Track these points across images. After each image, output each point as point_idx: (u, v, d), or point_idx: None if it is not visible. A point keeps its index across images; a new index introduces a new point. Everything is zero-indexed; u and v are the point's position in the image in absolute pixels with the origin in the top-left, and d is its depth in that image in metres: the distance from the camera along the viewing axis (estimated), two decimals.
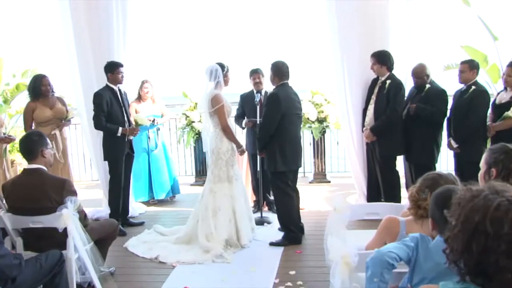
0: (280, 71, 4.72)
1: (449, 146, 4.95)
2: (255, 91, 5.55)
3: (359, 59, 5.28)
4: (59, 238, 3.30)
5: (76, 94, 5.71)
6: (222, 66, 4.75)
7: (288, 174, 4.78)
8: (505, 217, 1.30)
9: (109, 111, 5.13)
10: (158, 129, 6.40)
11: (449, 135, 4.98)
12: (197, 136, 7.15)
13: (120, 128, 5.17)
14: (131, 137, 5.40)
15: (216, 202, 4.75)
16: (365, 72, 5.26)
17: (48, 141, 3.55)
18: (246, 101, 5.69)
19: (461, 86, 4.92)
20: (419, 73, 5.01)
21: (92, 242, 3.50)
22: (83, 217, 3.49)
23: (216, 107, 4.67)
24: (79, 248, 3.32)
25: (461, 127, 4.79)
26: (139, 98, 6.28)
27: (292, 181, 4.86)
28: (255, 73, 5.60)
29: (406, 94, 5.18)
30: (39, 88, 5.31)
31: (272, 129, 4.63)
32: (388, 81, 5.04)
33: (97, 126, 5.18)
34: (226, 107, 4.76)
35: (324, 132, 7.11)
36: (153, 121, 6.18)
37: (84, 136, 6.01)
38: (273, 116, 4.61)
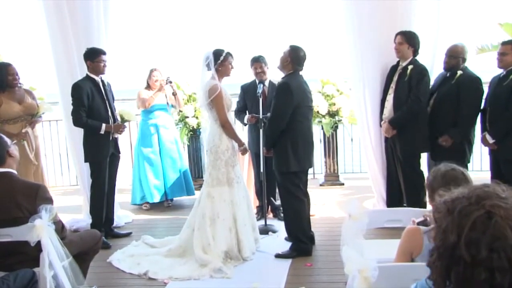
0: (298, 58, 4.67)
1: (484, 142, 4.87)
2: (257, 81, 5.50)
3: (378, 42, 5.21)
4: (31, 254, 3.21)
5: (58, 84, 5.63)
6: (216, 53, 4.68)
7: (301, 175, 4.75)
8: (482, 237, 1.20)
9: (90, 105, 5.07)
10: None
11: (483, 129, 4.90)
12: (192, 133, 7.11)
13: (104, 125, 5.10)
14: (117, 135, 5.35)
15: (215, 208, 4.70)
16: (384, 56, 5.20)
17: (6, 138, 3.51)
18: (248, 92, 5.64)
19: (498, 72, 4.82)
20: (457, 52, 4.93)
21: (71, 257, 3.44)
22: (60, 228, 3.42)
23: (212, 97, 4.61)
24: (55, 264, 3.24)
25: (499, 119, 4.71)
26: (148, 87, 6.38)
27: (304, 183, 4.82)
28: (256, 62, 5.56)
29: (432, 81, 5.11)
30: (4, 78, 5.22)
31: (284, 124, 4.57)
32: (410, 67, 4.97)
33: (77, 122, 5.11)
34: (226, 99, 4.71)
35: (337, 127, 7.06)
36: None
37: (65, 134, 5.93)
38: (284, 108, 4.55)
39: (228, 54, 4.72)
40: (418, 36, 5.04)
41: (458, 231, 1.24)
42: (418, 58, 5.07)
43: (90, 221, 5.32)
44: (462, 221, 1.25)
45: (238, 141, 4.84)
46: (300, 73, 4.74)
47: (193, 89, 7.01)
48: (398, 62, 5.14)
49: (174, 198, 6.65)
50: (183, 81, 7.12)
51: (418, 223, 2.78)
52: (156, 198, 6.40)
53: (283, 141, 4.62)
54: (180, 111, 6.86)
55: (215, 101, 4.63)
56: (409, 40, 5.00)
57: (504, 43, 4.85)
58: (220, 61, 4.67)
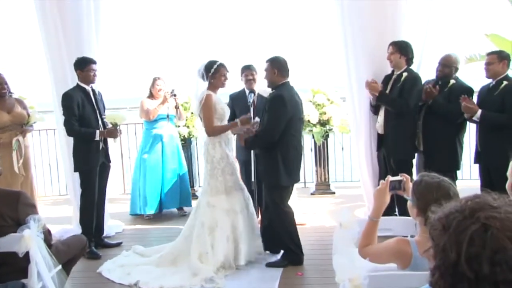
0: (284, 67, 4.65)
1: (466, 107, 4.73)
2: (247, 91, 5.49)
3: (369, 49, 5.24)
4: (19, 265, 3.16)
5: (55, 93, 5.60)
6: (207, 66, 4.68)
7: (290, 189, 4.74)
8: (482, 251, 1.17)
9: (81, 115, 5.04)
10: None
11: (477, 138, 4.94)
12: (183, 142, 7.07)
13: (98, 132, 5.07)
14: (114, 141, 5.34)
15: (214, 217, 4.67)
16: (375, 64, 5.24)
17: None
18: (237, 101, 5.61)
19: (487, 82, 4.87)
20: (451, 62, 5.00)
21: (60, 265, 3.39)
22: (47, 235, 3.39)
23: (200, 107, 4.64)
24: (43, 275, 3.20)
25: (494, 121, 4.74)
26: (151, 96, 6.32)
27: (289, 196, 4.80)
28: (247, 70, 5.55)
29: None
30: None
31: (276, 136, 4.50)
32: (404, 74, 5.01)
33: (70, 132, 5.07)
34: (218, 109, 4.70)
35: (327, 136, 7.05)
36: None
37: (60, 143, 5.92)
38: (279, 121, 4.49)
39: (220, 65, 4.70)
40: (411, 45, 5.07)
41: (457, 248, 1.21)
42: None
43: (80, 231, 5.24)
44: (459, 238, 1.22)
45: (231, 125, 4.79)
46: (291, 83, 4.71)
47: (184, 98, 6.98)
48: (392, 72, 5.18)
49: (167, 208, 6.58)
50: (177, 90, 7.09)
51: (393, 182, 2.80)
52: (151, 210, 6.32)
53: (274, 154, 4.55)
54: (186, 120, 6.82)
55: (202, 111, 4.65)
56: (401, 49, 5.02)
57: (489, 53, 4.92)
58: (211, 74, 4.67)
